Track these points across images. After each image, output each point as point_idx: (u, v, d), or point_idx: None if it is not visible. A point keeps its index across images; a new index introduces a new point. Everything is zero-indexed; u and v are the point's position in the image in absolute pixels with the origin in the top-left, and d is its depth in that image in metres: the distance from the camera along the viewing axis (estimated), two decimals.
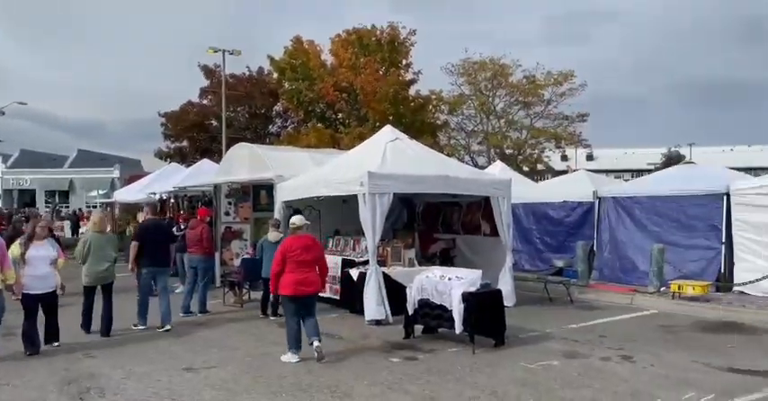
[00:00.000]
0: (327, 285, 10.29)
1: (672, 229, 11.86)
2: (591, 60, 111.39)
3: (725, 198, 11.06)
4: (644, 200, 12.42)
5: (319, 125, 29.63)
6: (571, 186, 15.12)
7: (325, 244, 11.36)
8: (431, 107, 30.94)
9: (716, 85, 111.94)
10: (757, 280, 10.09)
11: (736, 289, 10.67)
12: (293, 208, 11.08)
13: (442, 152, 27.24)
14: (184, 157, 34.46)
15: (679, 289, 10.17)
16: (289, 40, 30.34)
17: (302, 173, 10.89)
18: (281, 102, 33.72)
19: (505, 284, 10.04)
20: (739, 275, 10.70)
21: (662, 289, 10.76)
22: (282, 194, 10.74)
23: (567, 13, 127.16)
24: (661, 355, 6.92)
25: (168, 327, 8.43)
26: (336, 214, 11.42)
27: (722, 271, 11.07)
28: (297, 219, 7.19)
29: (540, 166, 36.15)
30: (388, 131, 10.60)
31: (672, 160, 41.13)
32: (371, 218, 8.78)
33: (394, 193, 9.20)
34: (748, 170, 22.59)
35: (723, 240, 11.07)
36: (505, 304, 9.37)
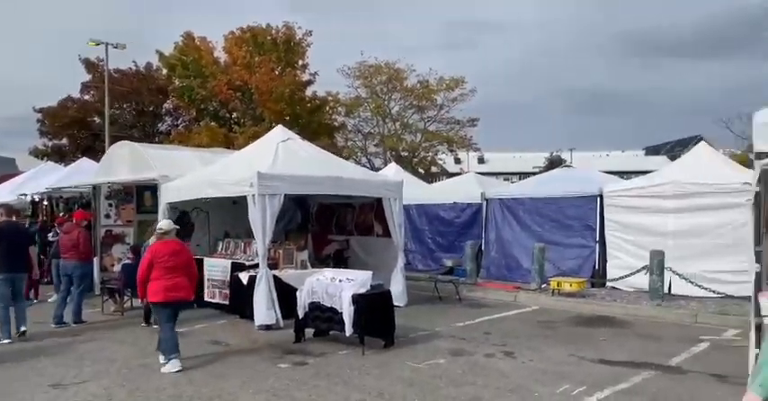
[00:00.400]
0: (216, 290, 9.98)
1: (552, 229, 12.57)
2: (481, 67, 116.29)
3: (598, 199, 11.88)
4: (527, 201, 13.07)
5: (213, 124, 28.65)
6: (461, 188, 15.65)
7: (214, 247, 10.99)
8: (328, 108, 30.88)
9: (595, 95, 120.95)
10: (626, 276, 10.91)
11: (608, 284, 11.48)
12: (179, 209, 10.62)
13: (340, 154, 27.31)
14: (64, 156, 32.04)
15: (558, 285, 10.78)
16: (179, 36, 29.11)
17: (189, 173, 10.42)
18: (171, 100, 32.23)
19: (397, 284, 10.19)
20: (611, 272, 11.53)
21: (543, 285, 11.35)
22: (167, 195, 10.22)
23: (458, 21, 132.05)
24: (540, 350, 7.28)
25: (24, 329, 7.92)
26: (226, 216, 11.05)
27: (596, 268, 11.88)
28: (164, 224, 6.95)
29: (434, 169, 37.14)
30: (279, 131, 10.39)
31: (554, 164, 43.73)
32: (261, 220, 8.56)
33: (287, 194, 9.05)
34: (621, 174, 24.43)
35: (597, 239, 11.88)
36: (397, 304, 9.53)
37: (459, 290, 11.42)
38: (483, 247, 13.70)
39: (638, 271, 10.50)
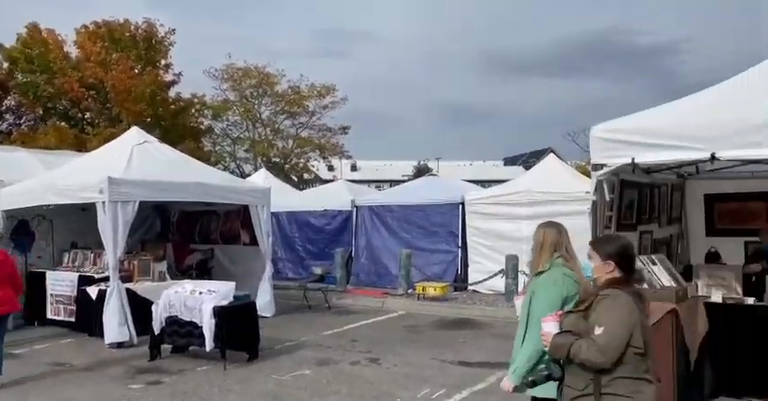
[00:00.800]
0: (61, 306, 9.14)
1: (419, 235, 12.95)
2: (353, 75, 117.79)
3: (461, 207, 12.42)
4: (395, 208, 13.36)
5: (62, 124, 26.19)
6: (332, 195, 15.63)
7: (59, 258, 10.02)
8: (193, 111, 29.52)
9: (461, 106, 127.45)
10: (485, 280, 11.49)
11: (470, 288, 12.02)
12: (17, 218, 9.59)
13: (208, 158, 26.19)
14: None
15: (423, 290, 11.10)
16: (23, 27, 26.36)
17: (29, 177, 9.43)
18: (12, 96, 29.06)
19: (265, 294, 9.95)
20: (472, 275, 12.09)
21: (409, 291, 11.64)
22: (2, 202, 9.16)
23: (329, 29, 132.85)
24: (405, 355, 7.40)
25: None
26: (73, 224, 10.09)
27: (459, 272, 12.40)
28: None
29: (307, 175, 36.89)
30: (134, 133, 9.69)
31: (421, 172, 45.23)
32: (113, 229, 7.94)
33: (143, 201, 8.47)
34: (483, 183, 25.79)
35: (460, 244, 12.41)
36: (264, 314, 9.36)
37: (329, 298, 11.37)
38: (353, 254, 13.78)
39: (495, 274, 11.09)
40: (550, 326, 2.80)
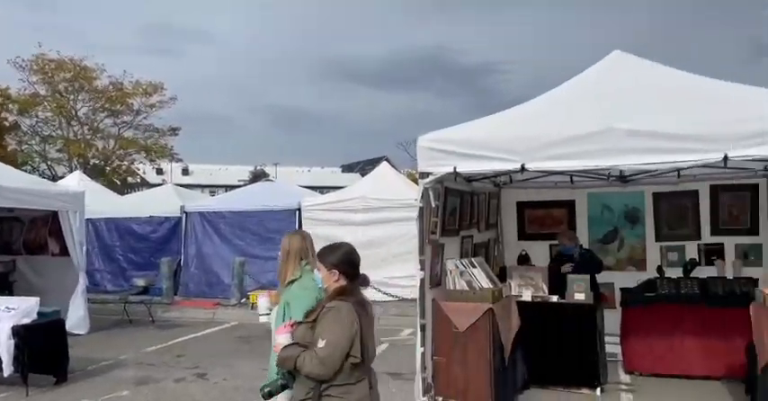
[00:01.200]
0: None
1: (254, 243, 12.63)
2: (184, 75, 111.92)
3: (297, 213, 12.34)
4: (228, 214, 12.92)
5: None
6: (159, 200, 14.70)
7: None
8: None
9: (298, 112, 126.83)
10: None
11: None
12: None
13: (14, 158, 23.22)
14: None
15: (257, 299, 10.79)
16: None
17: None
18: None
19: (78, 309, 9.10)
20: None
21: (243, 300, 11.29)
22: None
23: (156, 24, 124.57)
24: (234, 367, 7.14)
25: None
26: None
27: None
28: None
29: (131, 179, 34.27)
30: None
31: (258, 177, 44.37)
32: None
33: None
34: (320, 189, 25.96)
35: None
36: (77, 332, 8.55)
37: (153, 311, 10.64)
38: (182, 263, 13.04)
39: None
40: (282, 338, 2.78)
